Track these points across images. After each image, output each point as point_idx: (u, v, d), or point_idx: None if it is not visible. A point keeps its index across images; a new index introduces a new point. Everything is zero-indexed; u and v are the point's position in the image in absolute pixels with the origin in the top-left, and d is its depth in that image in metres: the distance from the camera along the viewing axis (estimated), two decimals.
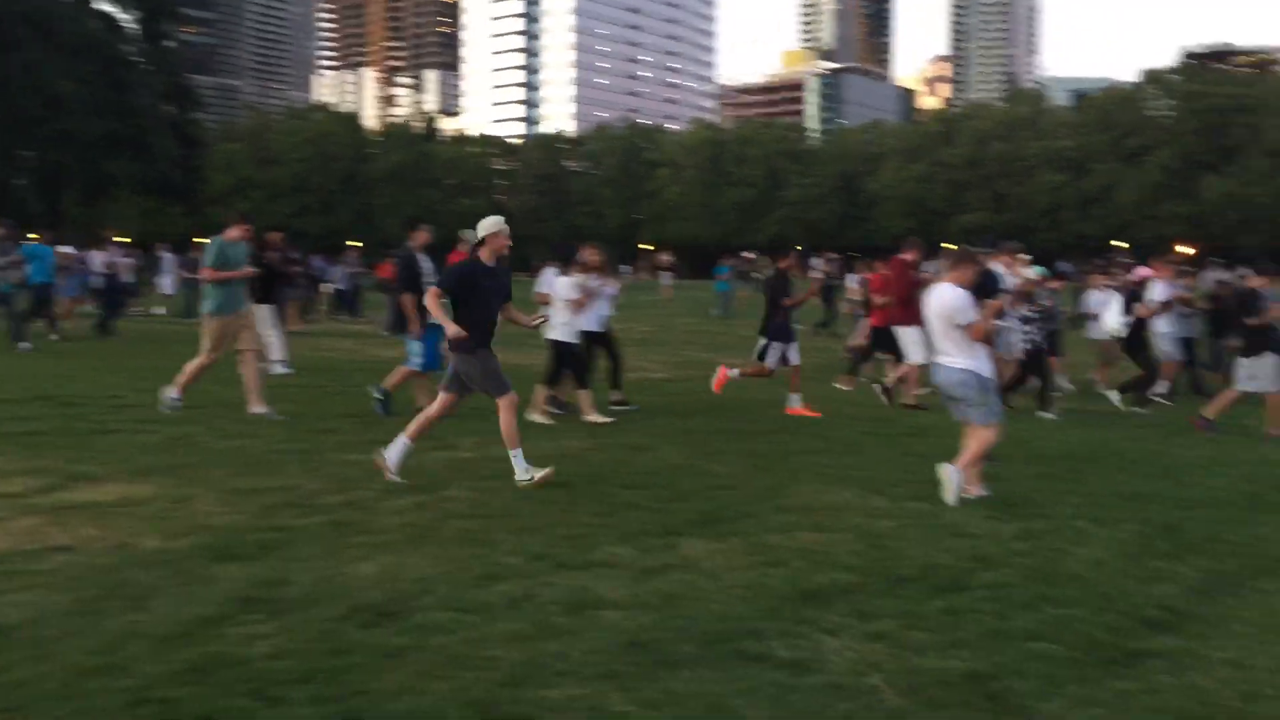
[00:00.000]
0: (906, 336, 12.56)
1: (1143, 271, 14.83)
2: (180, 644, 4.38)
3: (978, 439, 7.52)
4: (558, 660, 4.32)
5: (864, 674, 4.24)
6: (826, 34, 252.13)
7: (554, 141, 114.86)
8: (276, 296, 15.13)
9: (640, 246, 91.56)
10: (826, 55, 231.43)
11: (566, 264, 11.23)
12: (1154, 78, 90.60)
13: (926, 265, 14.28)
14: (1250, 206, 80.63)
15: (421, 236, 11.19)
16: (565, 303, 11.02)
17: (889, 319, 13.08)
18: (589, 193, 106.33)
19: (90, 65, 52.26)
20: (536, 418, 10.80)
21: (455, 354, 7.74)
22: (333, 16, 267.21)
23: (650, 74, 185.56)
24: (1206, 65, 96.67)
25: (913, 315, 11.56)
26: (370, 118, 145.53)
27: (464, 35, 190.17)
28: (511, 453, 7.60)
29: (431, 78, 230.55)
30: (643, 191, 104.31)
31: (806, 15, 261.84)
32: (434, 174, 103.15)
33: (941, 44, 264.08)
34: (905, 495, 7.49)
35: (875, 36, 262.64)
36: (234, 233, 10.86)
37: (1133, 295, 13.65)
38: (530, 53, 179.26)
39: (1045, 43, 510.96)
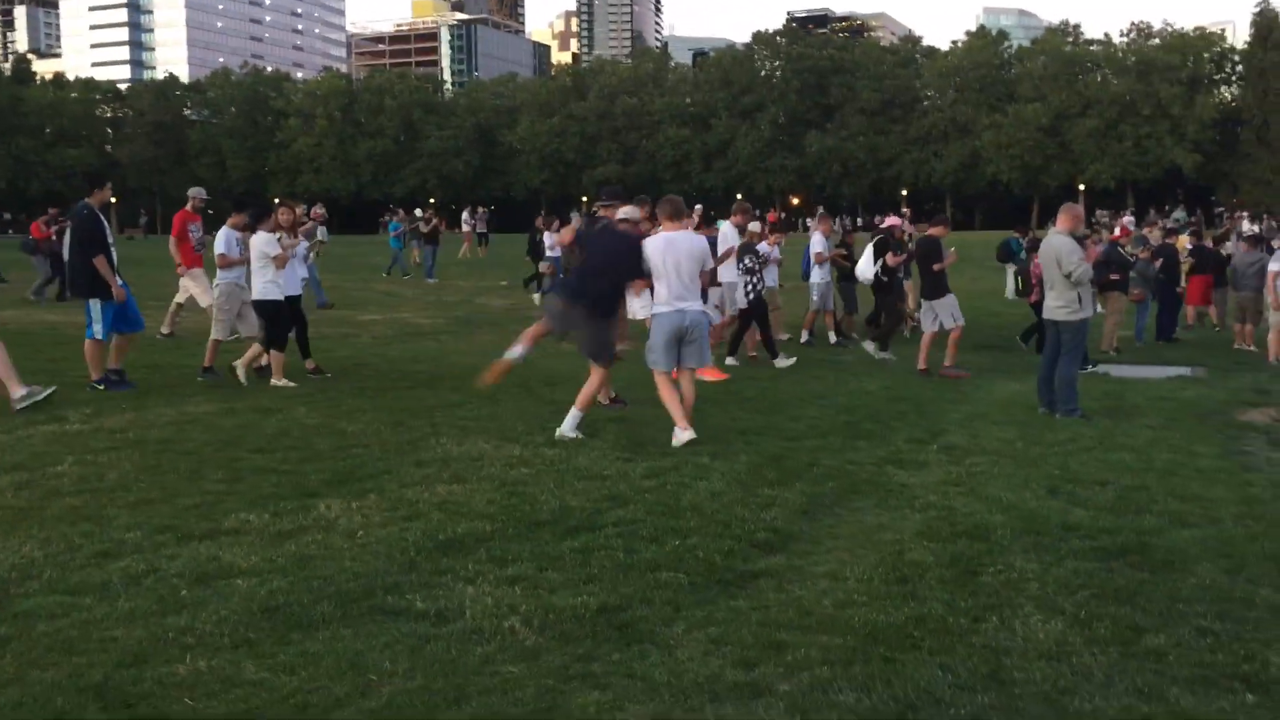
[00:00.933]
0: None
1: (890, 220, 15.40)
2: None
3: (686, 382, 7.99)
4: (185, 634, 4.15)
5: (502, 617, 4.36)
6: None
7: (171, 88, 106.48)
8: None
9: (275, 200, 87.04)
10: (457, 6, 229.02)
11: (258, 221, 10.69)
12: (762, 39, 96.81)
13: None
14: (849, 159, 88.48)
15: (104, 193, 10.22)
16: (266, 260, 10.42)
17: None
18: (210, 143, 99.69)
19: None
20: (241, 376, 10.49)
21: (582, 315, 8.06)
22: None
23: (272, 18, 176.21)
24: (808, 29, 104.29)
25: None
26: None
27: None
28: (575, 412, 7.95)
29: (20, 14, 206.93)
30: (271, 142, 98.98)
31: None
32: (28, 120, 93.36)
33: None
34: (541, 443, 7.70)
35: None
36: None
37: (881, 244, 13.78)
38: None
39: (667, 2, 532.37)
